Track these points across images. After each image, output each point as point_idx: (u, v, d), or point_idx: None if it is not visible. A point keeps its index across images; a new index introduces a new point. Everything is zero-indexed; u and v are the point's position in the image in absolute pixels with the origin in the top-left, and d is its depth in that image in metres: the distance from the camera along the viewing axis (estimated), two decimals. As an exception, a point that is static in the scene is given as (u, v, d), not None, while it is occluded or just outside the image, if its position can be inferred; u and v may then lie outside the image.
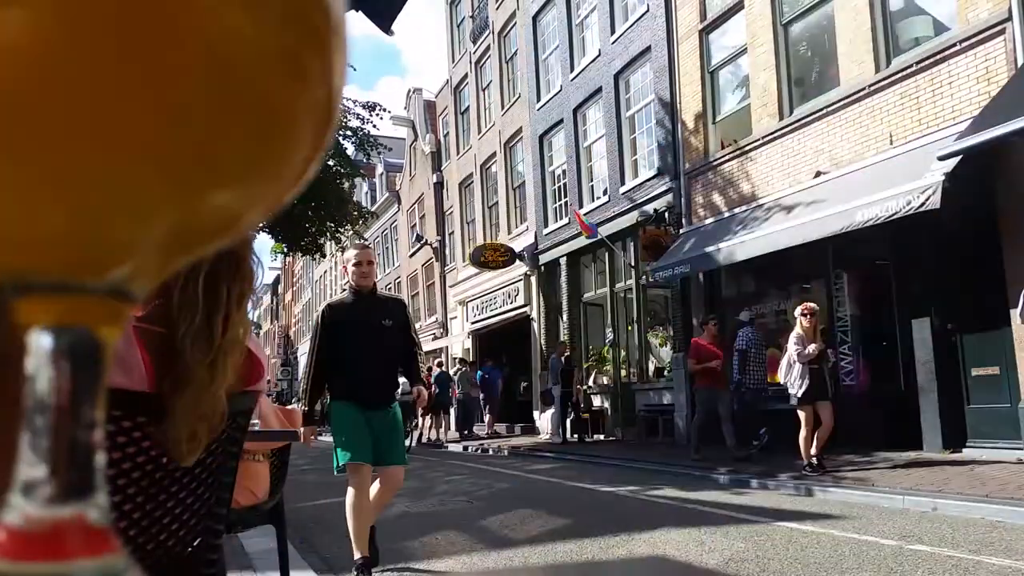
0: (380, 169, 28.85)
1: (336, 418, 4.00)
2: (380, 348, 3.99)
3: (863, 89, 8.96)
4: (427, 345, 23.84)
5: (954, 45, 7.93)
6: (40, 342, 0.21)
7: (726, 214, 11.14)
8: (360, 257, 4.08)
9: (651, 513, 6.14)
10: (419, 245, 24.46)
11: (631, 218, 13.26)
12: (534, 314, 16.95)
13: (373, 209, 24.42)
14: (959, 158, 6.85)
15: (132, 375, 1.03)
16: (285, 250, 14.53)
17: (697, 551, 4.62)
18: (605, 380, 14.64)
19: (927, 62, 8.23)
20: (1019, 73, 7.16)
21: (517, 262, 17.14)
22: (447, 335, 22.47)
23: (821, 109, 9.60)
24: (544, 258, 16.43)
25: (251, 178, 0.21)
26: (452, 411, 17.76)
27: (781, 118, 10.27)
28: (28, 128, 0.18)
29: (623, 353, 14.28)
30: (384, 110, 13.67)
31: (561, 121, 16.07)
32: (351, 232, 15.39)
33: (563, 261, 15.67)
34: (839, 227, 7.95)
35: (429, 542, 5.30)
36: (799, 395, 7.50)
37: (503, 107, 18.86)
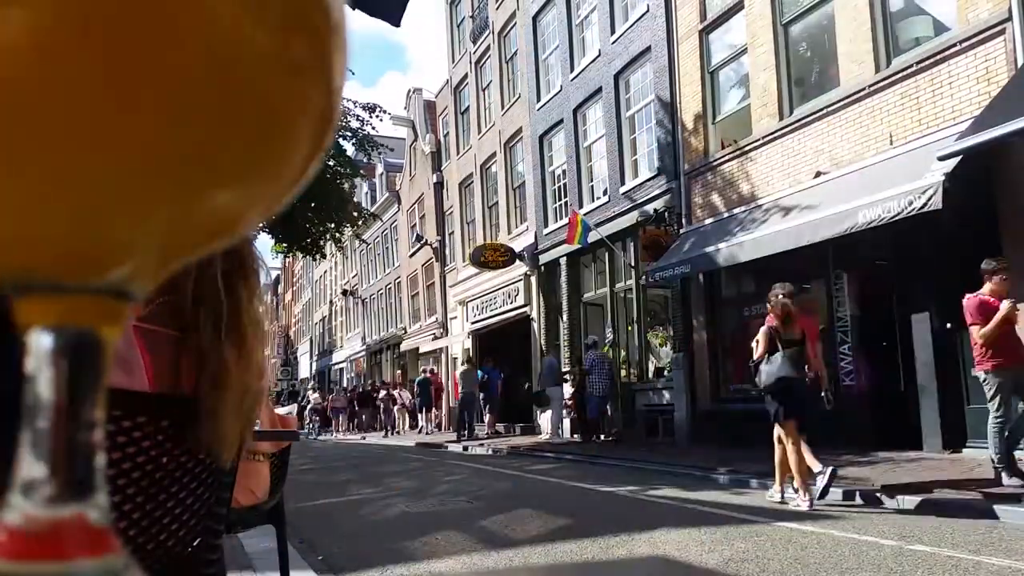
0: (380, 169, 28.85)
1: None
2: None
3: (863, 89, 8.96)
4: (427, 345, 23.86)
5: (954, 45, 7.93)
6: (40, 342, 0.21)
7: (726, 214, 11.14)
8: None
9: (651, 513, 6.14)
10: (419, 245, 24.46)
11: (631, 218, 13.26)
12: (534, 314, 16.95)
13: (373, 209, 24.43)
14: (959, 158, 6.85)
15: (132, 375, 1.03)
16: (285, 250, 14.53)
17: (697, 551, 4.62)
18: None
19: (927, 62, 8.23)
20: (1019, 73, 7.16)
21: (517, 262, 17.14)
22: (447, 335, 22.46)
23: (821, 109, 9.60)
24: (544, 258, 16.43)
25: (251, 178, 0.21)
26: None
27: (781, 118, 10.27)
28: (28, 128, 0.18)
29: (623, 353, 14.28)
30: (384, 111, 13.68)
31: (561, 121, 16.07)
32: (351, 232, 15.40)
33: (563, 261, 15.67)
34: (842, 229, 7.95)
35: (429, 542, 5.30)
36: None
37: (503, 107, 18.86)
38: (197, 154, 0.19)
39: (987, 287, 5.96)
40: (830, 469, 5.90)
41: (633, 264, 13.44)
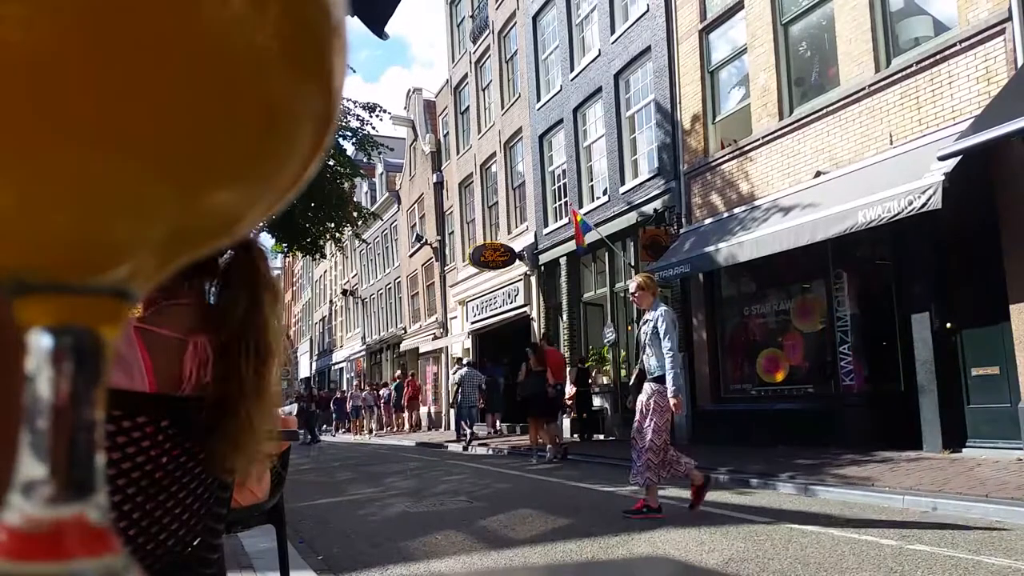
0: (380, 169, 28.85)
1: None
2: None
3: (863, 89, 8.96)
4: (427, 345, 23.86)
5: (954, 45, 7.92)
6: (40, 342, 0.21)
7: (726, 214, 11.14)
8: None
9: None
10: (419, 245, 24.46)
11: (631, 218, 13.26)
12: (534, 314, 16.95)
13: (373, 209, 24.42)
14: (959, 158, 6.85)
15: (132, 375, 1.03)
16: (285, 250, 14.52)
17: (697, 551, 4.62)
18: (605, 380, 14.64)
19: (927, 62, 8.23)
20: (1019, 73, 7.16)
21: (517, 262, 17.14)
22: (447, 335, 22.47)
23: (821, 109, 9.60)
24: (544, 258, 16.43)
25: (251, 178, 0.21)
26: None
27: (781, 118, 10.27)
28: (28, 128, 0.18)
29: (623, 353, 14.28)
30: (384, 111, 13.67)
31: (561, 121, 16.07)
32: (351, 232, 15.40)
33: (563, 261, 15.67)
34: (842, 228, 7.95)
35: (429, 542, 5.30)
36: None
37: (503, 107, 18.86)
38: (197, 154, 0.19)
39: None
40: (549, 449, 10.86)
41: (633, 264, 13.44)
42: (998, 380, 7.67)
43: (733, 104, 11.65)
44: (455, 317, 21.68)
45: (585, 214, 13.93)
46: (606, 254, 14.43)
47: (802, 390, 10.11)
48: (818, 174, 9.53)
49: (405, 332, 26.33)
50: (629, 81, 14.04)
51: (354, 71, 19.36)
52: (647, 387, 5.88)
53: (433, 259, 23.82)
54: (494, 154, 19.33)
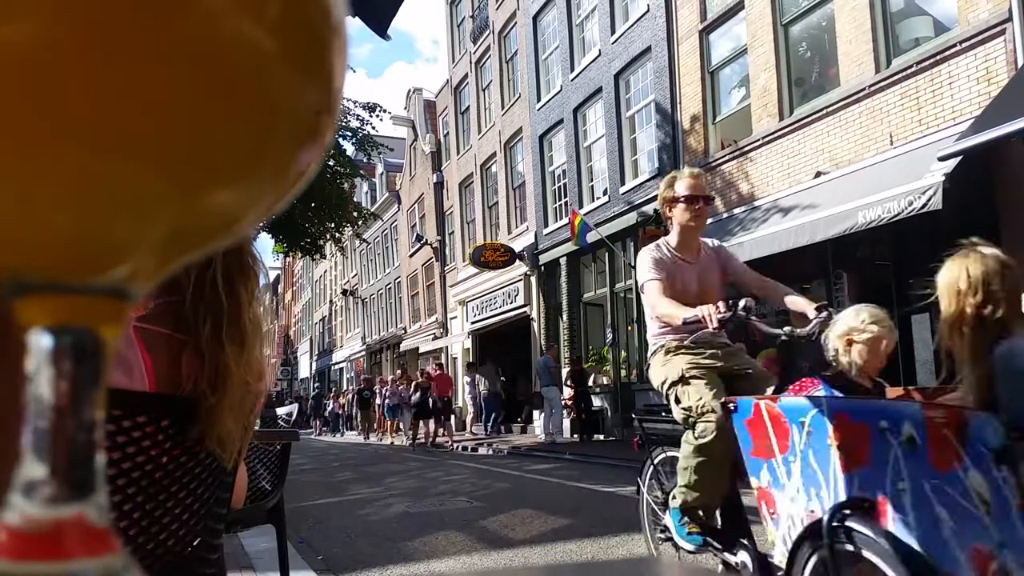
0: (380, 169, 28.85)
1: None
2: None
3: (863, 89, 8.96)
4: (427, 345, 23.87)
5: (954, 45, 7.93)
6: (40, 342, 0.21)
7: (725, 214, 11.14)
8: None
9: (651, 513, 6.13)
10: (419, 245, 24.47)
11: (631, 218, 13.26)
12: (534, 314, 16.96)
13: (373, 209, 24.42)
14: (959, 158, 6.85)
15: (132, 375, 1.03)
16: (285, 250, 14.53)
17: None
18: (605, 380, 14.65)
19: (927, 62, 8.23)
20: (1019, 73, 7.16)
21: (517, 262, 17.14)
22: (447, 335, 22.47)
23: (821, 109, 9.60)
24: (544, 258, 16.43)
25: (251, 178, 0.21)
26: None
27: (781, 118, 10.27)
28: (27, 128, 0.18)
29: (623, 353, 14.28)
30: (384, 111, 13.67)
31: (561, 121, 16.07)
32: (351, 232, 15.40)
33: (563, 261, 15.68)
34: (842, 229, 7.94)
35: (429, 542, 5.30)
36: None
37: (503, 107, 18.86)
38: (197, 154, 0.19)
39: None
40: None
41: (633, 264, 13.44)
42: (998, 380, 7.66)
43: (733, 104, 11.65)
44: (455, 317, 21.68)
45: (585, 214, 13.93)
46: (606, 254, 14.44)
47: (802, 390, 10.10)
48: (818, 174, 9.53)
49: (405, 332, 26.34)
50: (629, 81, 14.04)
51: (354, 71, 19.35)
52: None
53: (433, 259, 23.83)
54: (494, 154, 19.34)
